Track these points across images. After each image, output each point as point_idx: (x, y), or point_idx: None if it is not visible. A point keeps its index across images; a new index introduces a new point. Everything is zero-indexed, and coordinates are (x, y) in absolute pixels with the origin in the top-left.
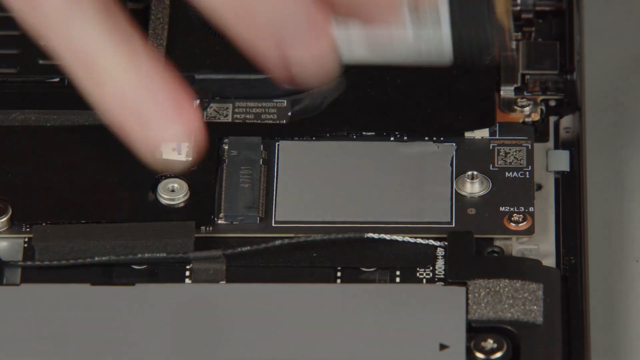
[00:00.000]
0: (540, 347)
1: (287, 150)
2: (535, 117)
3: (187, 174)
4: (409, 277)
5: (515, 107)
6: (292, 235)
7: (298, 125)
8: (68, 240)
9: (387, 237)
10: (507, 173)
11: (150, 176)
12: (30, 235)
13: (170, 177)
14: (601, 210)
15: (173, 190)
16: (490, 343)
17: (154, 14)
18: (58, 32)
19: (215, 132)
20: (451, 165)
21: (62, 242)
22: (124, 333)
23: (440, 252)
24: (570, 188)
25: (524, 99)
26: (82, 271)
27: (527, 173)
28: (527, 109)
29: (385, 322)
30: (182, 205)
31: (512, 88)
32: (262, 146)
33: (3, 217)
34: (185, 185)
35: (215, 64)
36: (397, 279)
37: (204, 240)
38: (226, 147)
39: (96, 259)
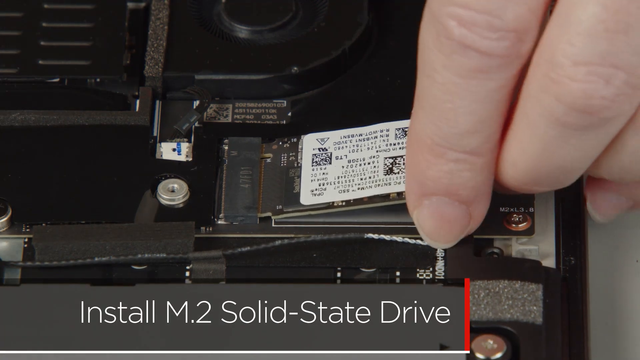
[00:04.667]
0: (540, 347)
1: None
2: None
3: (187, 174)
4: (409, 278)
5: None
6: (292, 235)
7: (298, 126)
8: (68, 241)
9: (387, 237)
10: None
11: (150, 176)
12: (30, 236)
13: (170, 177)
14: None
15: (173, 191)
16: (490, 343)
17: (154, 14)
18: None
19: (215, 132)
20: None
21: (62, 243)
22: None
23: (440, 252)
24: (570, 189)
25: None
26: (82, 271)
27: None
28: None
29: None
30: (182, 205)
31: None
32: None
33: (3, 217)
34: (185, 186)
35: (215, 65)
36: (397, 280)
37: (204, 240)
38: (226, 148)
39: (96, 259)
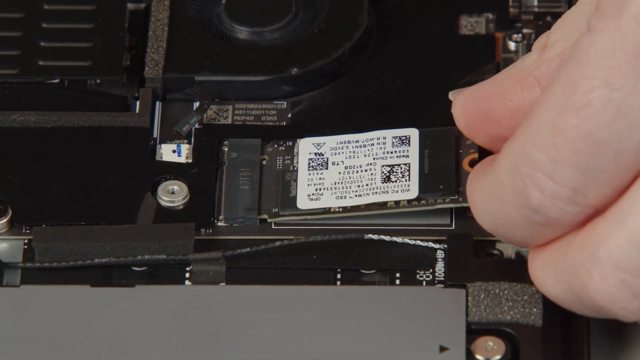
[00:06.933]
0: (539, 349)
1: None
2: None
3: (187, 176)
4: (409, 279)
5: None
6: (292, 237)
7: (298, 127)
8: (68, 242)
9: (387, 238)
10: None
11: (150, 178)
12: (30, 237)
13: (170, 179)
14: None
15: (173, 193)
16: (489, 345)
17: (154, 14)
18: None
19: (215, 133)
20: None
21: (62, 244)
22: (123, 334)
23: (440, 254)
24: None
25: None
26: (82, 273)
27: None
28: None
29: (385, 324)
30: (182, 207)
31: None
32: (261, 148)
33: (3, 219)
34: (185, 188)
35: (215, 66)
36: (397, 281)
37: (204, 242)
38: (226, 149)
39: (96, 260)
